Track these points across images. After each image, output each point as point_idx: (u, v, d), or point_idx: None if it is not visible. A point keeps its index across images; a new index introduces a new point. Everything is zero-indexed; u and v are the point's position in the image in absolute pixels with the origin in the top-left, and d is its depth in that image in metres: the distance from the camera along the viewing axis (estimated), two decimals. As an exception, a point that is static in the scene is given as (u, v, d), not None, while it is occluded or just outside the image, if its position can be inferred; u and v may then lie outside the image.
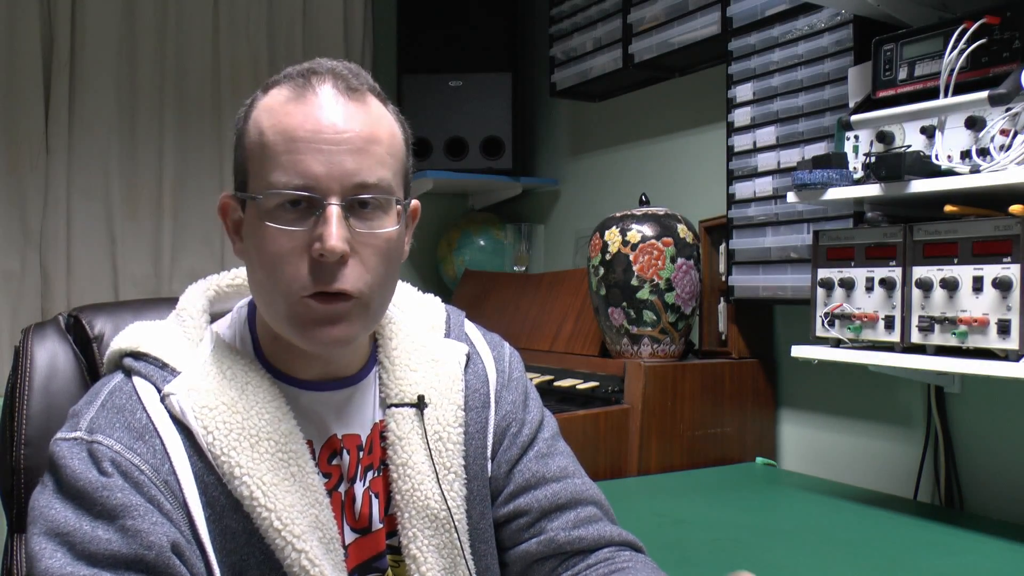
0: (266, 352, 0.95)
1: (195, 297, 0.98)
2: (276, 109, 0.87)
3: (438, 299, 1.09)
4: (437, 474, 0.95)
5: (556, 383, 2.16)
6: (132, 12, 2.75)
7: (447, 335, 1.05)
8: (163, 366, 0.90)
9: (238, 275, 1.01)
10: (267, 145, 0.86)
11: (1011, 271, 1.26)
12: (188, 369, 0.89)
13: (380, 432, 0.97)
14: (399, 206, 0.90)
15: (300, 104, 0.86)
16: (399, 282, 1.07)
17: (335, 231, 0.83)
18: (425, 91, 2.90)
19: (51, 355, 1.07)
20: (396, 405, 0.96)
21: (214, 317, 0.99)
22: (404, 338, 1.00)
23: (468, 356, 1.03)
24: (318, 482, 0.89)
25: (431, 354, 1.01)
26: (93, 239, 2.71)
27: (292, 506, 0.86)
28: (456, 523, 0.95)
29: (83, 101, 2.68)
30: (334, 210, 0.84)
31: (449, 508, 0.95)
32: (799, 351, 1.58)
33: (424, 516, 0.94)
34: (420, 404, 0.96)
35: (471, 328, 1.09)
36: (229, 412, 0.87)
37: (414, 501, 0.94)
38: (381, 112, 0.90)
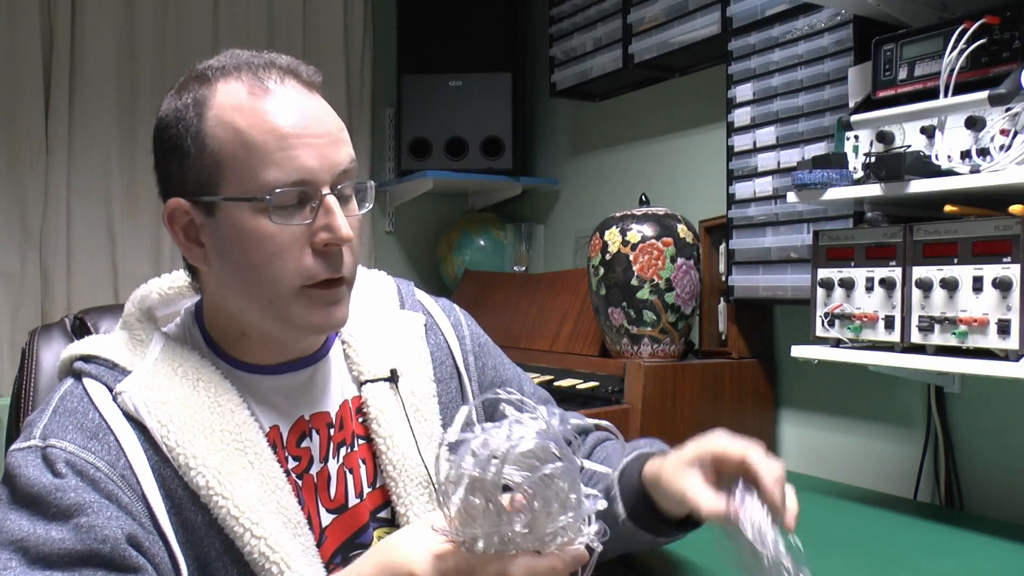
0: (220, 345, 0.96)
1: (138, 302, 0.99)
2: (247, 107, 0.87)
3: (383, 272, 1.13)
4: (416, 442, 0.98)
5: (556, 383, 2.16)
6: (132, 12, 2.75)
7: (402, 306, 1.08)
8: (113, 366, 0.90)
9: (178, 278, 1.02)
10: (253, 144, 0.86)
11: (1011, 271, 1.26)
12: (139, 368, 0.90)
13: (356, 408, 0.99)
14: (369, 187, 0.95)
15: (272, 100, 0.87)
16: None
17: (342, 219, 0.87)
18: (425, 91, 2.90)
19: (56, 357, 1.07)
20: (371, 381, 0.99)
21: (162, 322, 1.00)
22: (362, 315, 1.02)
23: (426, 326, 1.07)
24: (277, 469, 0.90)
25: (391, 327, 1.04)
26: (93, 239, 2.70)
27: (250, 494, 0.86)
28: None
29: (83, 101, 2.68)
30: (333, 200, 0.87)
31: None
32: (799, 351, 1.58)
33: (418, 483, 0.97)
34: (393, 377, 1.00)
35: (423, 296, 1.13)
36: (181, 407, 0.88)
37: (407, 469, 0.97)
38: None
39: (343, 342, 1.02)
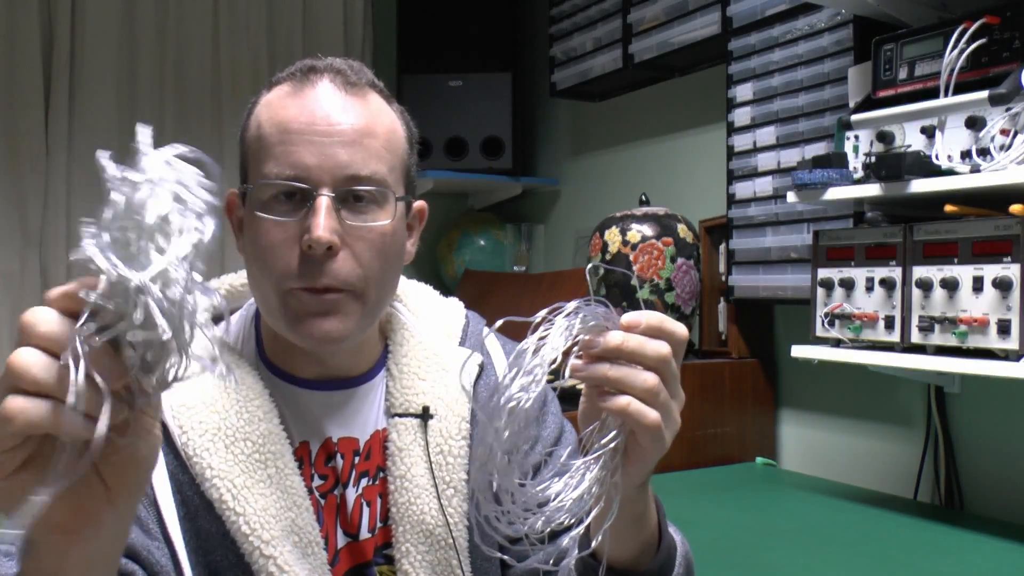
0: (267, 350, 0.94)
1: None
2: (274, 104, 0.88)
3: (460, 304, 1.07)
4: (437, 488, 0.92)
5: (556, 383, 2.15)
6: (132, 12, 2.75)
7: (462, 343, 1.02)
8: None
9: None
10: (263, 138, 0.86)
11: (1011, 271, 1.26)
12: None
13: (382, 441, 0.95)
14: (399, 202, 0.89)
15: (297, 98, 0.87)
16: (420, 285, 1.07)
17: (323, 221, 0.82)
18: (425, 91, 2.90)
19: None
20: (400, 415, 0.94)
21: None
22: (415, 345, 0.97)
23: (481, 367, 1.00)
24: (298, 484, 0.87)
25: (442, 363, 0.98)
26: (93, 239, 2.71)
27: (265, 510, 0.84)
28: (455, 539, 0.92)
29: (83, 101, 2.68)
30: (323, 201, 0.83)
31: (448, 524, 0.92)
32: (799, 351, 1.58)
33: (419, 531, 0.92)
34: (424, 415, 0.94)
35: (490, 337, 1.05)
36: (207, 411, 0.85)
37: (409, 515, 0.92)
38: (381, 107, 0.90)
39: (387, 370, 0.97)
